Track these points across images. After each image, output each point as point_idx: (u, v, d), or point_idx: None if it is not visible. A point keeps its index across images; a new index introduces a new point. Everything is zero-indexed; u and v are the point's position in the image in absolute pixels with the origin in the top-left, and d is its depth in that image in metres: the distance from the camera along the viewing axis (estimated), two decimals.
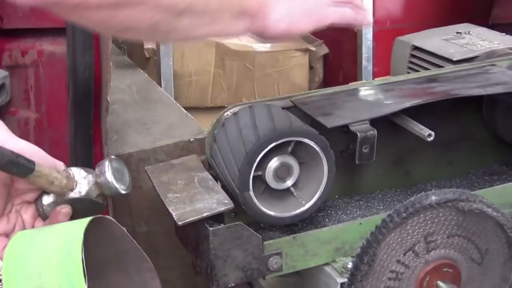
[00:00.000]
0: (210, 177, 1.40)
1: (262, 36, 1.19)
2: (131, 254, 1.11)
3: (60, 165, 1.13)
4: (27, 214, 1.13)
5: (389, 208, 1.49)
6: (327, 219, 1.47)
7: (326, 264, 1.37)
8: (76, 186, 1.13)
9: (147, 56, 2.88)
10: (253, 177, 1.29)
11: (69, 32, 1.44)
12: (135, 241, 1.10)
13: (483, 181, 1.62)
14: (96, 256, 1.08)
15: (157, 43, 2.68)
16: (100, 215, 1.00)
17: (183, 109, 2.04)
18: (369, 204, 1.54)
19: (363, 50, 2.91)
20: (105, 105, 1.55)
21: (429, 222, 1.15)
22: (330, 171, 1.34)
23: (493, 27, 2.93)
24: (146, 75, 2.41)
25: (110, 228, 1.07)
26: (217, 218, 1.31)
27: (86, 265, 0.97)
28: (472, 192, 1.43)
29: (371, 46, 2.91)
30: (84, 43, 1.45)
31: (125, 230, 1.08)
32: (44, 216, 1.13)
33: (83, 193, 1.13)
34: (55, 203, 1.12)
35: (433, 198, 1.12)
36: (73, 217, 1.12)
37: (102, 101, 1.55)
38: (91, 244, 0.95)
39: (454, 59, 1.80)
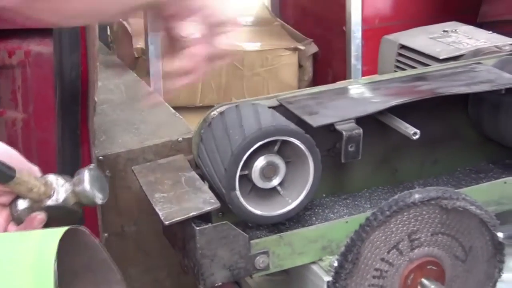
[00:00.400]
0: (197, 176, 1.40)
1: None
2: (102, 266, 1.10)
3: (36, 170, 1.12)
4: (1, 216, 1.11)
5: (376, 206, 1.49)
6: (314, 218, 1.48)
7: (313, 262, 1.38)
8: (53, 193, 1.13)
9: (136, 55, 2.89)
10: (240, 176, 1.30)
11: (56, 32, 1.44)
12: (107, 253, 1.10)
13: (469, 179, 1.62)
14: (66, 264, 1.07)
15: (146, 43, 2.68)
16: (74, 226, 1.00)
17: (171, 108, 2.04)
18: (356, 202, 1.55)
19: (352, 49, 2.92)
20: (93, 105, 1.56)
21: (413, 220, 1.15)
22: (316, 170, 1.35)
23: (481, 24, 2.94)
24: (135, 74, 2.41)
25: (83, 237, 1.07)
26: (204, 217, 1.31)
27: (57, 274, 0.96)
28: (456, 190, 1.45)
29: (360, 44, 2.92)
30: (71, 44, 1.45)
31: (98, 241, 1.08)
32: (18, 220, 1.12)
33: (60, 200, 1.13)
34: (31, 209, 1.11)
35: (417, 196, 1.13)
36: (48, 224, 1.11)
37: (89, 101, 1.55)
38: (63, 252, 0.95)
39: (441, 58, 1.80)
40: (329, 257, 1.37)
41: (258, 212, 1.34)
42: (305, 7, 3.52)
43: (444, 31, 1.97)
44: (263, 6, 3.59)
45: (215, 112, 1.43)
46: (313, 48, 3.20)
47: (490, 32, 1.95)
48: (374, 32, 2.93)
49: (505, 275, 1.31)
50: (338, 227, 1.38)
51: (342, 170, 1.56)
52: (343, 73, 3.02)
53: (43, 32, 1.48)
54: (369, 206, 1.53)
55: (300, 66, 3.20)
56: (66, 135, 1.49)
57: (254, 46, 3.09)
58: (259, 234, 1.39)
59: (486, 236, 1.21)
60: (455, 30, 1.97)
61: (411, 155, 1.61)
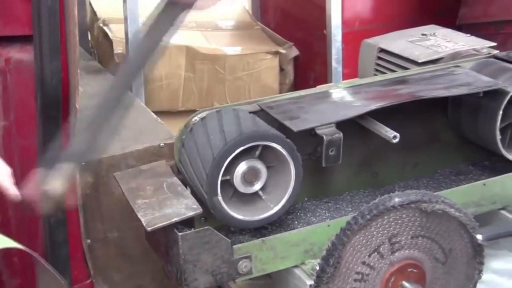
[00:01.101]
0: (179, 182, 1.41)
1: None
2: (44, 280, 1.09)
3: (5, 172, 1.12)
4: None
5: (358, 209, 1.50)
6: (296, 222, 1.49)
7: (296, 266, 1.39)
8: None
9: (117, 61, 2.88)
10: (221, 181, 1.31)
11: (36, 39, 1.44)
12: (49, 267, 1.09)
13: (449, 181, 1.64)
14: None
15: (127, 48, 2.67)
16: (9, 246, 0.98)
17: (153, 114, 2.04)
18: (338, 205, 1.56)
19: (333, 52, 2.92)
20: (74, 111, 1.55)
21: (393, 223, 1.16)
22: (297, 174, 1.36)
23: (460, 27, 2.96)
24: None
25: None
26: (187, 222, 1.32)
27: None
28: (436, 192, 1.47)
29: (340, 47, 2.93)
30: (51, 50, 1.45)
31: (38, 256, 1.07)
32: None
33: None
34: None
35: (396, 200, 1.14)
36: None
37: (70, 107, 1.55)
38: None
39: (420, 61, 1.82)
40: (311, 260, 1.37)
41: (240, 217, 1.35)
42: (285, 11, 3.53)
43: (423, 34, 1.99)
44: (244, 10, 3.59)
45: (196, 118, 1.43)
46: (294, 52, 3.21)
47: (469, 35, 1.96)
48: (354, 35, 2.94)
49: (485, 276, 1.33)
50: (320, 230, 1.39)
51: (323, 174, 1.57)
52: (324, 76, 3.02)
53: (23, 40, 1.48)
54: (350, 209, 1.54)
55: (281, 69, 3.20)
56: (47, 142, 1.49)
57: (235, 50, 3.09)
58: (242, 238, 1.40)
59: (466, 238, 1.22)
60: (434, 34, 1.98)
61: (392, 158, 1.62)
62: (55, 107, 1.49)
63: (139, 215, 1.30)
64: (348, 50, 2.93)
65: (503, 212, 1.58)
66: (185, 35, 3.15)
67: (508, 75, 1.55)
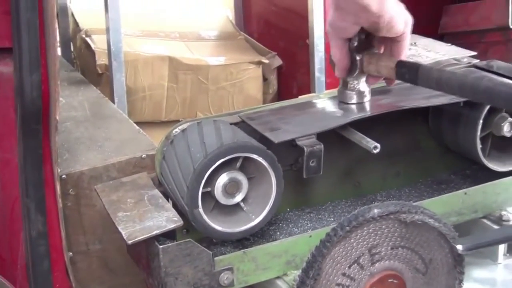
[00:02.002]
0: (160, 194, 1.40)
1: None
2: None
3: None
4: None
5: (340, 220, 1.51)
6: (278, 233, 1.49)
7: (278, 277, 1.38)
8: None
9: (100, 72, 2.88)
10: (202, 193, 1.30)
11: (16, 51, 1.43)
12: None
13: (431, 190, 1.65)
14: None
15: (109, 59, 2.67)
16: None
17: (135, 125, 2.04)
18: (320, 216, 1.56)
19: (316, 61, 2.94)
20: (55, 124, 1.55)
21: (372, 234, 1.17)
22: (278, 185, 1.36)
23: (442, 36, 2.99)
24: (99, 91, 2.40)
25: None
26: (169, 234, 1.32)
27: None
28: (418, 202, 1.47)
29: (323, 57, 2.94)
30: (31, 63, 1.44)
31: None
32: None
33: None
34: None
35: (376, 211, 1.14)
36: None
37: (51, 120, 1.54)
38: None
39: None
40: (293, 271, 1.37)
41: (221, 228, 1.35)
42: (268, 21, 3.54)
43: None
44: (227, 20, 3.60)
45: (177, 130, 1.43)
46: (277, 61, 3.22)
47: (449, 44, 1.98)
48: None
49: (467, 285, 1.33)
50: (302, 241, 1.39)
51: (305, 184, 1.57)
52: (307, 86, 3.04)
53: (2, 52, 1.47)
54: (332, 219, 1.54)
55: (265, 79, 3.21)
56: (28, 155, 1.48)
57: (218, 60, 3.10)
58: (224, 250, 1.40)
59: (446, 249, 1.23)
60: (415, 43, 2.00)
61: (374, 168, 1.63)
62: (35, 120, 1.48)
63: (119, 228, 1.30)
64: None
65: (484, 220, 1.58)
66: (168, 45, 3.16)
67: None
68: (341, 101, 1.52)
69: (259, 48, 3.31)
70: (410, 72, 1.34)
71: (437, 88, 1.29)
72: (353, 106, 1.50)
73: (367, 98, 1.51)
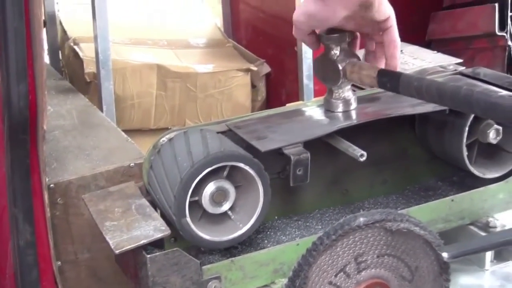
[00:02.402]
0: (148, 203, 1.41)
1: None
2: None
3: None
4: None
5: (327, 227, 1.51)
6: (266, 241, 1.49)
7: (265, 286, 1.39)
8: None
9: (88, 80, 2.88)
10: (190, 202, 1.31)
11: (2, 61, 1.43)
12: None
13: (419, 197, 1.65)
14: None
15: (97, 67, 2.67)
16: None
17: (123, 133, 2.04)
18: (308, 224, 1.56)
19: (304, 69, 2.95)
20: (42, 133, 1.55)
21: (358, 243, 1.17)
22: (265, 193, 1.36)
23: (430, 42, 3.00)
24: (87, 100, 2.40)
25: None
26: (157, 243, 1.32)
27: None
28: (404, 209, 1.48)
29: (311, 64, 2.95)
30: (18, 73, 1.44)
31: None
32: None
33: None
34: None
35: (361, 219, 1.15)
36: None
37: (38, 130, 1.55)
38: None
39: None
40: (281, 280, 1.37)
41: (209, 237, 1.35)
42: (257, 28, 3.56)
43: None
44: (215, 27, 3.61)
45: (164, 139, 1.43)
46: (266, 69, 3.23)
47: (435, 52, 1.99)
48: None
49: None
50: (289, 249, 1.39)
51: (293, 192, 1.58)
52: (296, 93, 3.05)
53: None
54: (320, 227, 1.55)
55: (253, 86, 3.22)
56: (16, 165, 1.48)
57: (207, 68, 3.11)
58: (212, 259, 1.40)
59: (431, 256, 1.23)
60: (401, 51, 2.00)
61: (361, 176, 1.63)
62: (23, 130, 1.48)
63: (107, 237, 1.30)
64: None
65: (471, 227, 1.59)
66: (156, 53, 3.16)
67: None
68: (327, 110, 1.53)
69: (248, 55, 3.32)
70: (392, 81, 1.35)
71: (418, 96, 1.30)
72: (340, 114, 1.51)
73: (353, 106, 1.52)
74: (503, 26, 2.64)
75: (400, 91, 1.33)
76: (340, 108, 1.51)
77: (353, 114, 1.51)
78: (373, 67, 1.43)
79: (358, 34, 1.49)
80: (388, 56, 1.46)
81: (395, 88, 1.34)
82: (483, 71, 1.71)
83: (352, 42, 1.49)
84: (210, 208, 1.34)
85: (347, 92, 1.51)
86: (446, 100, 1.23)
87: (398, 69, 1.45)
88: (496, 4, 2.64)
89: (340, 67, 1.47)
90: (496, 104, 1.14)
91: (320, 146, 1.47)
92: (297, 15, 1.42)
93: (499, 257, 1.57)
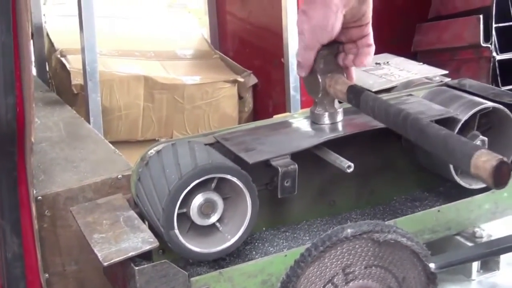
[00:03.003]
0: (136, 216, 1.41)
1: None
2: None
3: None
4: None
5: (315, 238, 1.52)
6: (254, 252, 1.49)
7: None
8: None
9: (75, 92, 2.88)
10: (178, 214, 1.31)
11: None
12: None
13: (405, 208, 1.66)
14: None
15: (85, 79, 2.67)
16: None
17: (111, 145, 2.04)
18: (295, 235, 1.57)
19: (290, 80, 2.96)
20: (30, 146, 1.55)
21: (346, 254, 1.18)
22: (253, 205, 1.37)
23: (416, 53, 3.02)
24: (74, 111, 2.40)
25: None
26: (145, 255, 1.32)
27: None
28: (391, 220, 1.49)
29: (298, 75, 2.96)
30: (6, 86, 1.45)
31: None
32: None
33: None
34: None
35: (349, 230, 1.15)
36: None
37: (26, 142, 1.55)
38: None
39: (373, 90, 1.85)
40: None
41: (197, 249, 1.35)
42: (243, 39, 3.57)
43: (376, 63, 2.02)
44: (202, 39, 3.62)
45: (152, 151, 1.44)
46: (253, 80, 3.24)
47: (421, 63, 2.00)
48: None
49: None
50: (277, 260, 1.39)
51: (280, 203, 1.58)
52: (283, 104, 3.06)
53: None
54: (308, 238, 1.56)
55: (240, 97, 3.23)
56: (3, 177, 1.48)
57: (194, 79, 3.12)
58: (200, 270, 1.41)
59: (419, 267, 1.24)
60: (387, 62, 2.02)
61: (348, 187, 1.64)
62: (10, 142, 1.48)
63: (95, 249, 1.30)
64: None
65: (458, 237, 1.60)
66: (143, 65, 3.17)
67: (459, 103, 1.58)
68: (314, 122, 1.54)
69: (235, 67, 3.33)
70: (355, 98, 1.37)
71: (373, 115, 1.34)
72: (327, 126, 1.52)
73: (340, 118, 1.52)
74: (488, 37, 2.66)
75: (361, 108, 1.35)
76: (325, 120, 1.52)
77: (340, 126, 1.52)
78: (346, 82, 1.44)
79: (342, 47, 1.50)
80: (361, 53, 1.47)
81: (358, 105, 1.37)
82: (468, 82, 1.72)
83: (337, 56, 1.49)
84: (198, 220, 1.35)
85: (331, 104, 1.52)
86: (390, 122, 1.27)
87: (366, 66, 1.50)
88: (481, 16, 2.66)
89: (320, 80, 1.48)
90: (422, 131, 1.20)
91: (308, 158, 1.48)
92: (305, 30, 1.44)
93: (485, 267, 1.58)
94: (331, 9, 1.37)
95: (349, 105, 1.53)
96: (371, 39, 1.45)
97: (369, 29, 1.44)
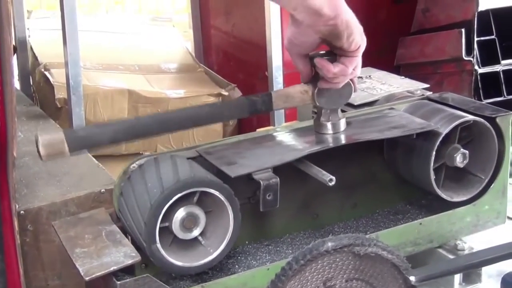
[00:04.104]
0: (118, 230, 1.41)
1: None
2: None
3: None
4: None
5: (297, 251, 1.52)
6: (237, 266, 1.49)
7: None
8: None
9: (59, 106, 2.88)
10: (160, 228, 1.31)
11: None
12: None
13: (388, 220, 1.67)
14: None
15: (68, 93, 2.67)
16: None
17: (94, 159, 2.04)
18: (278, 248, 1.57)
19: None
20: (12, 160, 1.55)
21: (327, 267, 1.18)
22: (235, 219, 1.37)
23: (399, 67, 3.04)
24: (58, 125, 2.40)
25: None
26: (127, 270, 1.32)
27: None
28: (374, 232, 1.49)
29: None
30: None
31: None
32: None
33: None
34: None
35: (330, 244, 1.16)
36: None
37: (8, 156, 1.54)
38: None
39: (355, 104, 1.85)
40: None
41: (180, 263, 1.35)
42: (228, 53, 3.58)
43: (359, 77, 2.03)
44: (187, 52, 3.62)
45: (134, 165, 1.44)
46: (237, 93, 3.25)
47: (403, 77, 2.01)
48: (295, 75, 2.98)
49: None
50: (260, 274, 1.40)
51: (263, 217, 1.59)
52: (267, 117, 3.06)
53: None
54: (291, 251, 1.56)
55: None
56: None
57: (178, 93, 3.12)
58: (182, 284, 1.41)
59: (399, 280, 1.25)
60: (369, 76, 2.03)
61: (331, 200, 1.65)
62: None
63: (77, 264, 1.30)
64: None
65: (440, 250, 1.61)
66: (127, 79, 3.17)
67: (441, 116, 1.59)
68: (317, 132, 1.55)
69: (219, 80, 3.34)
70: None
71: None
72: (310, 139, 1.53)
73: (342, 128, 1.53)
74: (470, 51, 2.69)
75: None
76: (329, 130, 1.54)
77: (323, 139, 1.53)
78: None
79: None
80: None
81: None
82: (450, 96, 1.74)
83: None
84: (180, 234, 1.35)
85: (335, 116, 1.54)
86: None
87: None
88: (463, 30, 2.69)
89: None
90: None
91: (290, 171, 1.48)
92: (286, 42, 1.46)
93: (467, 280, 1.59)
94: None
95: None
96: (347, 70, 1.45)
97: (349, 61, 1.45)
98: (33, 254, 1.74)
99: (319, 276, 1.18)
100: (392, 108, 1.69)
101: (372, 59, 2.57)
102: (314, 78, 1.50)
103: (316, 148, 1.46)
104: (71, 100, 2.65)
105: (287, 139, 1.57)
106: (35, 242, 1.73)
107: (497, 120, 1.60)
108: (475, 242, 1.62)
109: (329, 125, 1.53)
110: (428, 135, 1.55)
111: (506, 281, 1.38)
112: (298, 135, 1.58)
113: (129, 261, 1.29)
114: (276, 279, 1.17)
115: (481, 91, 2.62)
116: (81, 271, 1.27)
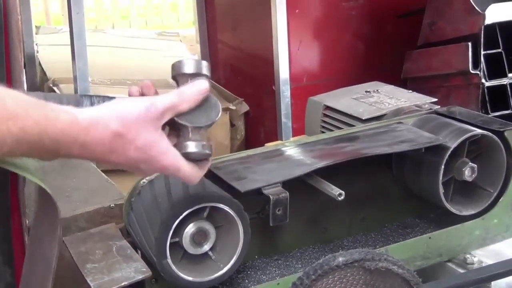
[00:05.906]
0: (128, 245, 1.41)
1: None
2: None
3: None
4: None
5: (307, 266, 1.52)
6: (246, 280, 1.50)
7: None
8: None
9: None
10: (171, 243, 1.32)
11: None
12: None
13: (397, 235, 1.67)
14: None
15: None
16: None
17: (103, 174, 2.04)
18: (288, 263, 1.57)
19: (282, 107, 2.98)
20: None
21: (338, 282, 1.18)
22: (245, 233, 1.38)
23: (405, 80, 3.04)
24: None
25: None
26: (138, 285, 1.33)
27: None
28: (383, 247, 1.50)
29: (289, 103, 2.98)
30: None
31: None
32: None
33: None
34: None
35: (340, 259, 1.16)
36: None
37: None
38: None
39: (363, 118, 1.86)
40: None
41: (190, 278, 1.36)
42: (235, 67, 3.59)
43: (366, 91, 2.03)
44: None
45: (144, 181, 1.45)
46: (244, 107, 3.26)
47: (410, 91, 2.02)
48: (302, 90, 3.00)
49: None
50: None
51: (273, 231, 1.59)
52: (274, 131, 3.07)
53: None
54: (300, 266, 1.56)
55: (232, 125, 3.24)
56: None
57: None
58: None
59: None
60: (377, 90, 2.03)
61: (339, 214, 1.65)
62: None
63: (88, 279, 1.30)
64: (297, 105, 2.99)
65: (449, 264, 1.61)
66: None
67: (449, 131, 1.60)
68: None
69: (226, 95, 3.35)
70: None
71: None
72: (319, 153, 1.53)
73: None
74: (476, 64, 2.69)
75: None
76: None
77: (332, 154, 1.53)
78: None
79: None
80: None
81: None
82: (457, 109, 1.74)
83: None
84: (190, 249, 1.35)
85: None
86: None
87: None
88: (470, 43, 2.69)
89: None
90: None
91: (299, 186, 1.49)
92: None
93: None
94: None
95: (342, 132, 1.55)
96: None
97: None
98: None
99: None
100: (400, 122, 1.70)
101: (379, 73, 2.59)
102: None
103: (325, 163, 1.46)
104: None
105: (296, 154, 1.57)
106: None
107: (506, 133, 1.60)
108: (484, 256, 1.62)
109: None
110: (436, 149, 1.55)
111: None
112: (306, 149, 1.59)
113: (140, 276, 1.30)
114: None
115: (488, 104, 2.62)
116: (92, 286, 1.28)
